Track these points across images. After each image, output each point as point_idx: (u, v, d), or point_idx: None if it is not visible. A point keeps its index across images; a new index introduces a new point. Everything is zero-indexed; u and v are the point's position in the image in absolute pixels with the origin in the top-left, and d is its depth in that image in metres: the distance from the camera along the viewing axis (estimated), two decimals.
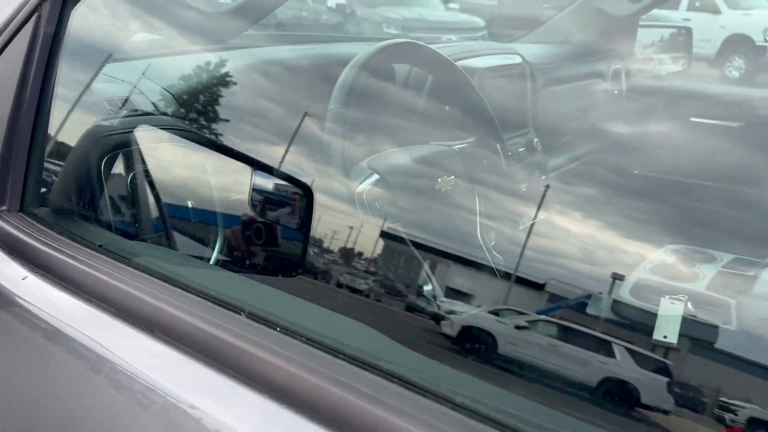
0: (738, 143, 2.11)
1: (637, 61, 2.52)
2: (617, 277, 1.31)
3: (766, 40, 2.42)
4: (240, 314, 0.74)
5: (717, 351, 1.09)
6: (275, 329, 0.72)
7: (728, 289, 1.29)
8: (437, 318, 1.11)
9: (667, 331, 1.19)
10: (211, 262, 1.08)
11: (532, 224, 1.60)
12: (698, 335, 1.16)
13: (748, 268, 1.36)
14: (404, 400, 0.60)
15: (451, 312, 1.13)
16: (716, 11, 3.05)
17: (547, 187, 1.60)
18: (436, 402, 0.59)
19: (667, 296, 1.24)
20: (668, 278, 1.32)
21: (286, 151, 1.35)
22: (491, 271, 1.19)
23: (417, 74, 1.29)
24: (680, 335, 1.18)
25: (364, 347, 0.72)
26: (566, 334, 1.30)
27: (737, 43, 2.60)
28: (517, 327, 1.24)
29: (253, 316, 0.73)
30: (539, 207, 1.39)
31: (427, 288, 1.07)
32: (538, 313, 1.28)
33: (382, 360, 0.66)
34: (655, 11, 2.61)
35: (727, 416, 1.04)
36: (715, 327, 1.13)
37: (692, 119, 2.16)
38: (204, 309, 0.75)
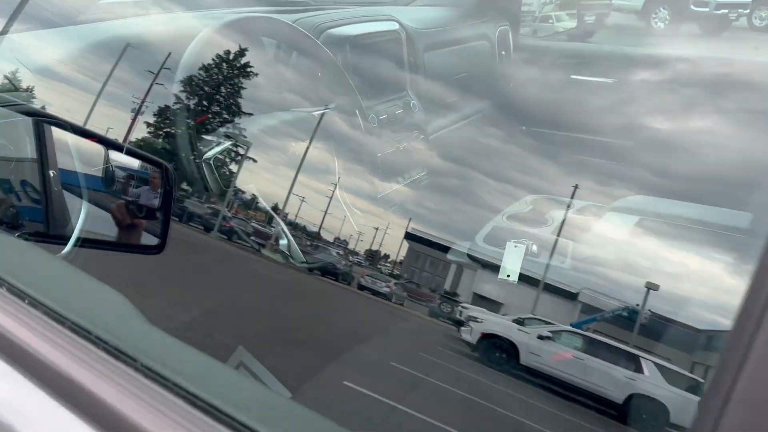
0: (613, 97, 2.28)
1: (533, 20, 2.64)
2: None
3: None
4: None
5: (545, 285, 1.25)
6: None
7: (572, 231, 1.46)
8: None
9: (510, 271, 1.35)
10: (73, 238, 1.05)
11: (416, 178, 1.72)
12: (536, 274, 1.31)
13: (594, 214, 1.53)
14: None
15: None
16: None
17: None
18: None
19: (511, 240, 1.39)
20: (521, 225, 1.47)
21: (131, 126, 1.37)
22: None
23: (274, 45, 1.36)
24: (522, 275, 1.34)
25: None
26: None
27: None
28: None
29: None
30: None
31: (282, 242, 1.15)
32: None
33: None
34: None
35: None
36: (549, 266, 1.29)
37: (572, 76, 2.31)
38: None
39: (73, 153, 1.06)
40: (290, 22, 1.26)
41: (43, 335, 0.63)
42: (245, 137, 1.30)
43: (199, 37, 1.08)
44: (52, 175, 1.03)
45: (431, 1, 2.23)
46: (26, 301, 0.67)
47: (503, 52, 2.31)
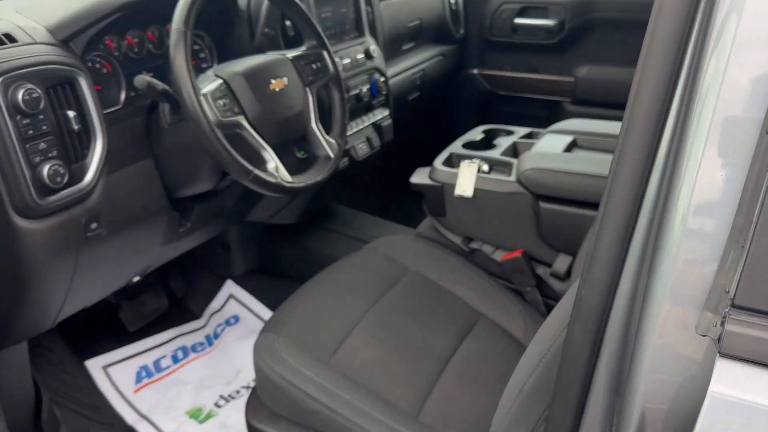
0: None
1: None
2: None
3: None
4: None
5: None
6: None
7: (515, 153, 1.69)
8: None
9: (466, 187, 1.56)
10: None
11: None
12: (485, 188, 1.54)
13: (533, 138, 1.75)
14: None
15: None
16: None
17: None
18: None
19: (465, 160, 1.61)
20: (474, 149, 1.68)
21: None
22: None
23: None
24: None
25: None
26: None
27: None
28: None
29: None
30: None
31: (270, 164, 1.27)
32: None
33: None
34: None
35: None
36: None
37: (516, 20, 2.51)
38: None
39: None
40: None
41: None
42: None
43: None
44: None
45: None
46: None
47: (452, 0, 2.49)
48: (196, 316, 1.98)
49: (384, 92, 1.92)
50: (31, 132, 1.03)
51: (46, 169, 1.04)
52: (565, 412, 0.65)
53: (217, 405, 1.69)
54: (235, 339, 1.90)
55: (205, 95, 1.15)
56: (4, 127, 0.99)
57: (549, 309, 1.51)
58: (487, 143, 1.76)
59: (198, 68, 1.48)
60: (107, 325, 1.81)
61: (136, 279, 1.50)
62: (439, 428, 1.14)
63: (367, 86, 1.84)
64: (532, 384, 0.83)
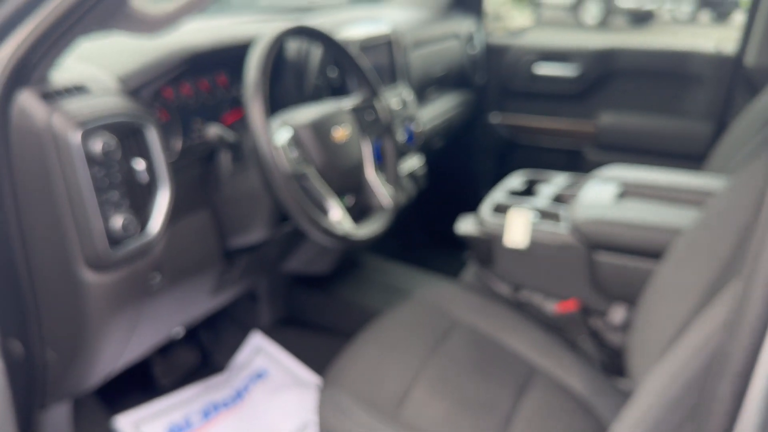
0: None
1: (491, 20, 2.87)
2: None
3: None
4: None
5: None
6: None
7: (560, 201, 1.68)
8: None
9: (517, 239, 1.54)
10: None
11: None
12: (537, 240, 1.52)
13: (573, 186, 1.75)
14: None
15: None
16: None
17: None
18: None
19: (514, 209, 1.59)
20: (518, 196, 1.68)
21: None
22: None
23: (306, 48, 1.50)
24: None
25: None
26: None
27: None
28: None
29: None
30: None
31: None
32: None
33: None
34: None
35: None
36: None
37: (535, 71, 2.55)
38: None
39: None
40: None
41: None
42: None
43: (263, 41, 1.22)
44: None
45: (404, 2, 2.42)
46: None
47: (469, 50, 2.53)
48: (220, 369, 1.91)
49: (419, 141, 1.91)
50: (106, 183, 1.01)
51: (118, 220, 1.02)
52: None
53: None
54: (264, 395, 1.82)
55: (282, 146, 1.14)
56: (82, 177, 0.97)
57: (603, 362, 1.47)
58: (526, 191, 1.76)
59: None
60: (132, 379, 1.74)
61: (182, 332, 1.45)
62: None
63: (402, 134, 1.84)
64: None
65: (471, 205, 2.66)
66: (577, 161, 2.55)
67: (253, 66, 1.12)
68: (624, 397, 1.35)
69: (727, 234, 1.04)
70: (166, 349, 1.79)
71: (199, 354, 1.87)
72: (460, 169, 2.73)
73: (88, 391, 1.26)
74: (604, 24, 11.35)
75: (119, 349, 1.21)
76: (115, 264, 1.04)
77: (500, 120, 2.66)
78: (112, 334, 1.14)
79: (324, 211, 1.21)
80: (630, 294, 1.38)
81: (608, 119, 2.46)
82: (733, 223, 1.04)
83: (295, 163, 1.17)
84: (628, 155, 2.36)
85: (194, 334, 1.91)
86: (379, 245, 2.22)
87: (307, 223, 1.15)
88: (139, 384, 1.75)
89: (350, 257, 2.04)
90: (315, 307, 1.98)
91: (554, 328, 1.52)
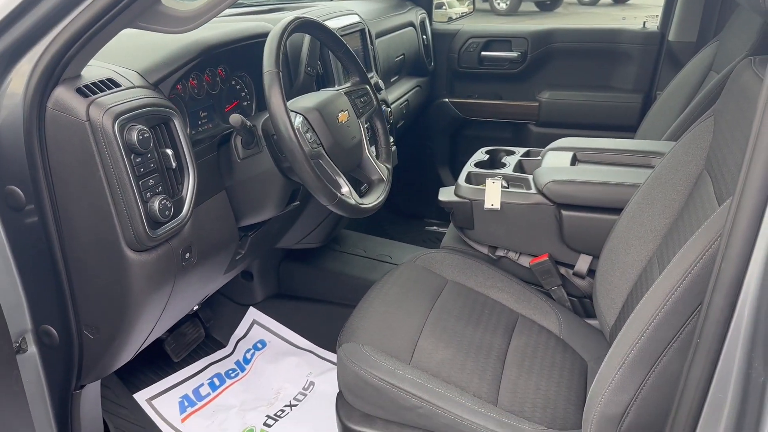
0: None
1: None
2: None
3: None
4: None
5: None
6: None
7: (524, 171, 1.90)
8: None
9: (494, 201, 1.75)
10: None
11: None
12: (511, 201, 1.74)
13: (531, 157, 1.98)
14: None
15: None
16: None
17: None
18: None
19: (489, 178, 1.80)
20: (488, 168, 1.89)
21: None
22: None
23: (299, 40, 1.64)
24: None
25: None
26: None
27: None
28: None
29: None
30: None
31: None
32: None
33: None
34: None
35: None
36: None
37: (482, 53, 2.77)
38: None
39: None
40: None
41: None
42: None
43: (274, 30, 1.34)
44: None
45: None
46: None
47: (424, 37, 2.71)
48: (222, 344, 2.03)
49: (390, 122, 2.08)
50: (142, 170, 1.09)
51: (156, 204, 1.11)
52: (704, 366, 0.81)
53: (266, 425, 1.75)
54: (267, 362, 1.96)
55: (297, 129, 1.27)
56: (122, 165, 1.05)
57: (573, 305, 1.71)
58: (491, 163, 1.97)
59: (240, 107, 1.59)
60: (145, 357, 1.84)
61: (195, 308, 1.56)
62: (516, 412, 1.30)
63: None
64: (634, 355, 1.01)
65: (430, 180, 2.88)
66: (523, 136, 2.81)
67: (270, 56, 1.25)
68: (594, 333, 1.59)
69: (679, 185, 1.28)
70: (174, 328, 1.89)
71: (203, 330, 1.98)
72: (419, 147, 2.93)
73: (119, 366, 1.34)
74: (513, 10, 11.74)
75: (151, 326, 1.31)
76: (154, 244, 1.13)
77: (451, 100, 2.87)
78: (148, 312, 1.23)
79: (337, 187, 1.36)
80: (594, 246, 1.62)
81: (548, 96, 2.72)
82: (684, 176, 1.27)
83: (310, 144, 1.32)
84: (568, 130, 2.63)
85: (194, 314, 2.01)
86: (349, 222, 2.38)
87: (326, 198, 1.30)
88: (151, 362, 1.85)
89: (338, 232, 2.19)
90: (304, 281, 2.13)
91: (529, 281, 1.74)
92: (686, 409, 0.83)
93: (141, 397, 1.75)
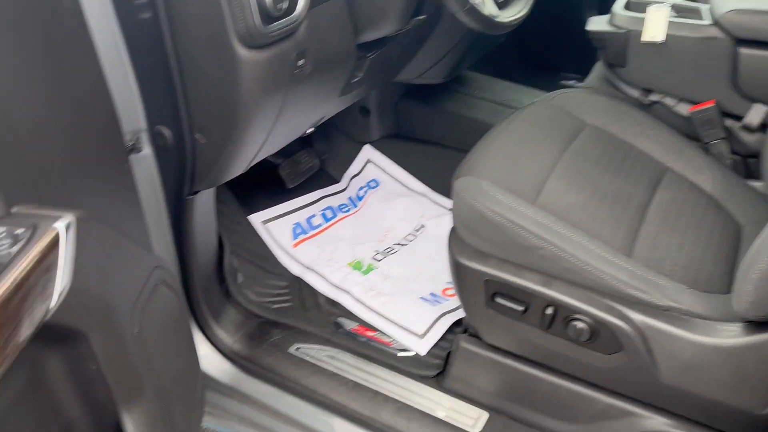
0: None
1: None
2: None
3: None
4: None
5: None
6: None
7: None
8: None
9: (656, 32, 1.48)
10: None
11: None
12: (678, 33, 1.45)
13: None
14: None
15: None
16: None
17: None
18: None
19: (653, 5, 1.51)
20: None
21: None
22: None
23: None
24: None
25: None
26: None
27: None
28: None
29: None
30: None
31: None
32: None
33: None
34: None
35: None
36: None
37: None
38: None
39: None
40: None
41: None
42: None
43: None
44: None
45: None
46: None
47: None
48: (335, 180, 2.00)
49: None
50: None
51: None
52: None
53: (375, 259, 1.73)
54: (379, 201, 1.91)
55: None
56: None
57: (735, 164, 1.46)
58: None
59: None
60: (261, 181, 1.84)
61: (310, 130, 1.50)
62: (654, 267, 1.14)
63: None
64: None
65: (571, 25, 2.52)
66: None
67: None
68: (755, 196, 1.35)
69: None
70: (290, 154, 1.87)
71: (318, 160, 1.95)
72: None
73: (233, 176, 1.32)
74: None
75: (263, 136, 1.26)
76: (266, 41, 1.05)
77: None
78: (260, 119, 1.18)
79: None
80: None
81: None
82: None
83: None
84: None
85: (310, 144, 1.98)
86: (475, 64, 2.17)
87: (457, 2, 1.13)
88: (266, 187, 1.85)
89: (463, 69, 2.01)
90: (423, 121, 2.00)
91: (685, 132, 1.49)
92: None
93: (256, 219, 1.77)
